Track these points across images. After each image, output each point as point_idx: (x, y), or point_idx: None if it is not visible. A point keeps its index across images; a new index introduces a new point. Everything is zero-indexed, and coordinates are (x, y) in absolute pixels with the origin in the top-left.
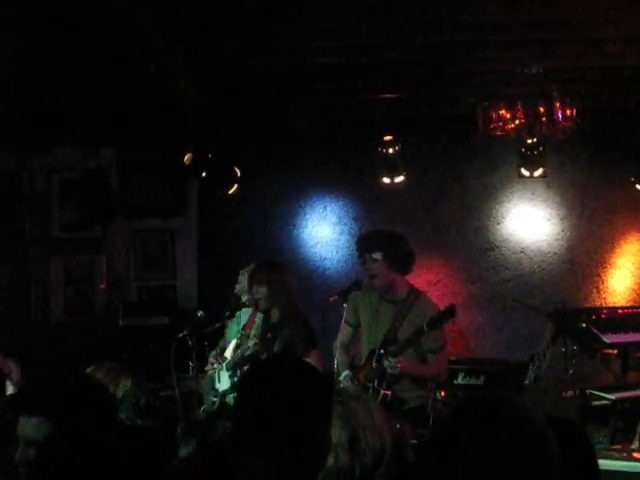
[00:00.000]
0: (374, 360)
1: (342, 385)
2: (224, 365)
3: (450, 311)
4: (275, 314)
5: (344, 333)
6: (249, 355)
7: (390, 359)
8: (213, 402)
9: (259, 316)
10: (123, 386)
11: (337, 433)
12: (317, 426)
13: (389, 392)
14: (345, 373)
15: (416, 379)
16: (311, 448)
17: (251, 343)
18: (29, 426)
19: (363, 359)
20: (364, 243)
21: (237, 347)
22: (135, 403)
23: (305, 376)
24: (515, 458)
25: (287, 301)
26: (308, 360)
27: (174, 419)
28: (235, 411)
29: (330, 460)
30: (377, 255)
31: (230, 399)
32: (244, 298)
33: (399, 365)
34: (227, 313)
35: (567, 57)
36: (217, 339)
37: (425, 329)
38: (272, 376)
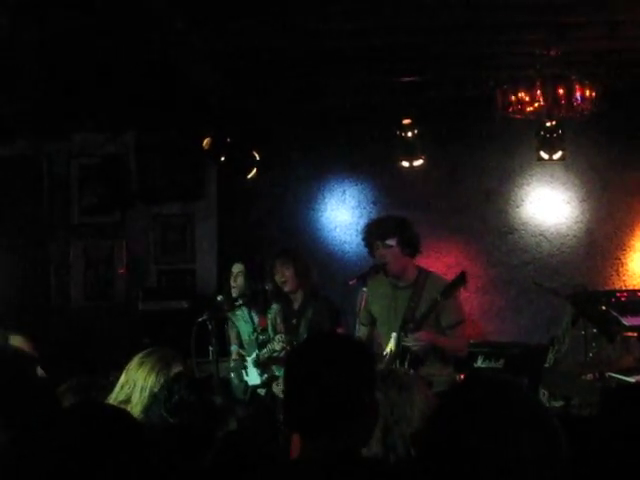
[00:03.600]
0: (395, 344)
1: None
2: (250, 360)
3: (461, 278)
4: (298, 298)
5: (362, 333)
6: (277, 357)
7: (410, 335)
8: (244, 395)
9: (271, 312)
10: (174, 373)
11: None
12: (366, 397)
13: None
14: None
15: (440, 356)
16: (363, 420)
17: (278, 346)
18: None
19: (384, 349)
20: (376, 231)
21: (261, 344)
22: (167, 399)
23: (349, 350)
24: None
25: (311, 283)
26: None
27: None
28: (286, 393)
29: (363, 450)
30: (391, 241)
31: (261, 392)
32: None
33: (420, 339)
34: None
35: (586, 40)
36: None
37: (439, 299)
38: (318, 356)
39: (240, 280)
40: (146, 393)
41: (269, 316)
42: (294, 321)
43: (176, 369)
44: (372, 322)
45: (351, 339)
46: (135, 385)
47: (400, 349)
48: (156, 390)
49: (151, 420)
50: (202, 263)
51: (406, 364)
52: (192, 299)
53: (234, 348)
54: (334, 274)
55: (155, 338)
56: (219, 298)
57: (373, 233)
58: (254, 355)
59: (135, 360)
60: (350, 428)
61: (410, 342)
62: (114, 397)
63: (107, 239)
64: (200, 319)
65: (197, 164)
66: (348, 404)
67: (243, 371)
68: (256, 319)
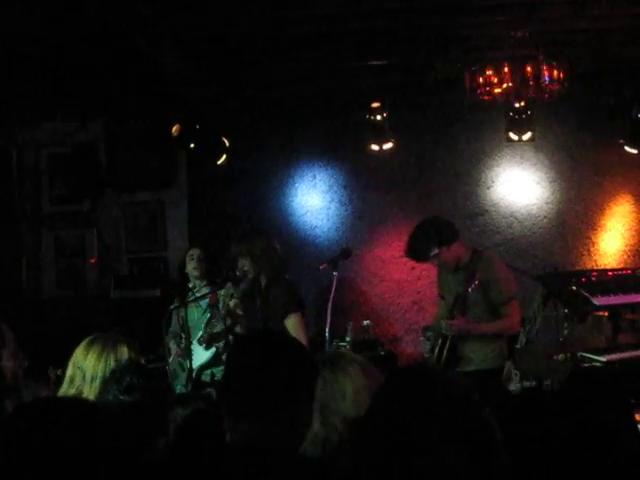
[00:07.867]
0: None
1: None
2: (195, 341)
3: None
4: (263, 280)
5: (440, 306)
6: (225, 329)
7: (445, 322)
8: (187, 383)
9: (224, 292)
10: (120, 356)
11: None
12: (300, 392)
13: (447, 353)
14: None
15: (480, 337)
16: (293, 411)
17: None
18: None
19: None
20: (420, 256)
21: (206, 323)
22: (118, 382)
23: (289, 347)
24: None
25: (269, 266)
26: (289, 321)
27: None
28: (224, 379)
29: None
30: (434, 252)
31: (207, 375)
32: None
33: (453, 327)
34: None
35: (554, 20)
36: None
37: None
38: (259, 347)
39: (203, 264)
40: (97, 382)
41: (221, 293)
42: (258, 302)
43: (122, 351)
44: None
45: (289, 337)
46: (85, 376)
47: (442, 331)
48: (108, 375)
49: (106, 400)
50: (173, 251)
51: (447, 344)
52: (164, 287)
53: (171, 342)
54: (305, 259)
55: (127, 326)
56: (190, 285)
57: (420, 258)
58: (199, 334)
59: (79, 351)
60: (275, 420)
61: (444, 329)
62: (63, 392)
63: (78, 228)
64: (172, 307)
65: (167, 151)
66: (277, 396)
67: (186, 361)
68: (206, 300)
